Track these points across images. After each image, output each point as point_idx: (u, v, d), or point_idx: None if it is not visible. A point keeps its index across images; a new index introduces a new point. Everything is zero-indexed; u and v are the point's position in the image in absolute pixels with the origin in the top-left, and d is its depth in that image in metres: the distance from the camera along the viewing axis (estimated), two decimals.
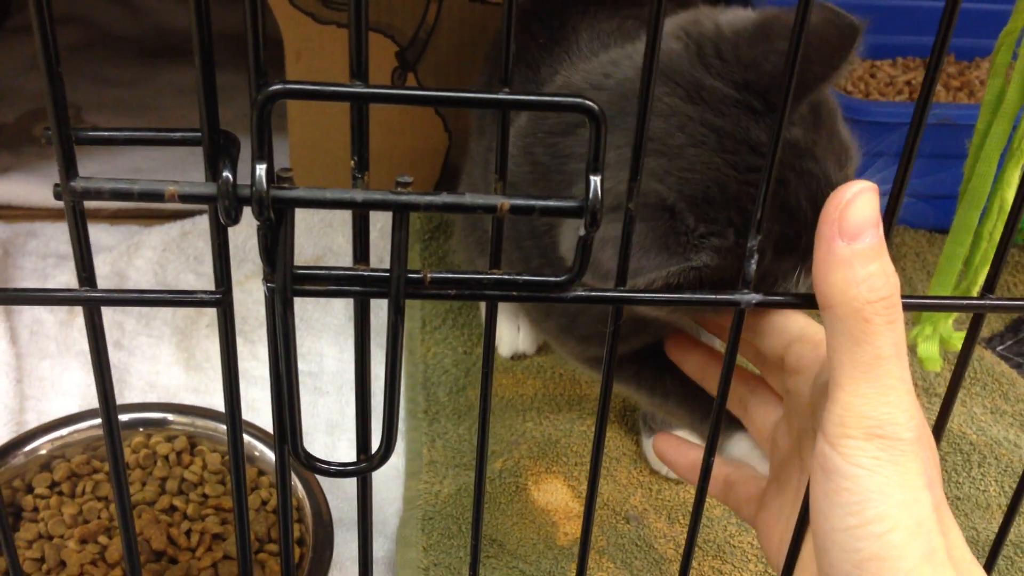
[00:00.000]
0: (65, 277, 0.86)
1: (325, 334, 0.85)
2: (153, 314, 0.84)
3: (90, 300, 0.35)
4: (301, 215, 0.98)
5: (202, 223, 0.94)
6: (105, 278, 0.87)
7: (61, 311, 0.84)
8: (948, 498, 0.42)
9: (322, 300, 0.89)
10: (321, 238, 0.94)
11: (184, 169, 1.00)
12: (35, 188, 0.96)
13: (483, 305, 0.88)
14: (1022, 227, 1.03)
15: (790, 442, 0.45)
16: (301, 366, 0.82)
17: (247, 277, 0.90)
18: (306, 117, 0.96)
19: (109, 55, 1.21)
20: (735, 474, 0.49)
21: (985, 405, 0.85)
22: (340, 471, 0.38)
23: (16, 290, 0.35)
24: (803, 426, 0.44)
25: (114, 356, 0.79)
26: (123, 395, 0.76)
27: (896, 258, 1.04)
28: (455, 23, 0.96)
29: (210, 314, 0.86)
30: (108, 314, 0.83)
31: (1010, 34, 0.67)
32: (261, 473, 0.64)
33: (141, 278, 0.88)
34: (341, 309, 0.88)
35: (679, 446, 0.52)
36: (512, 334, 0.84)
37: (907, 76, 1.23)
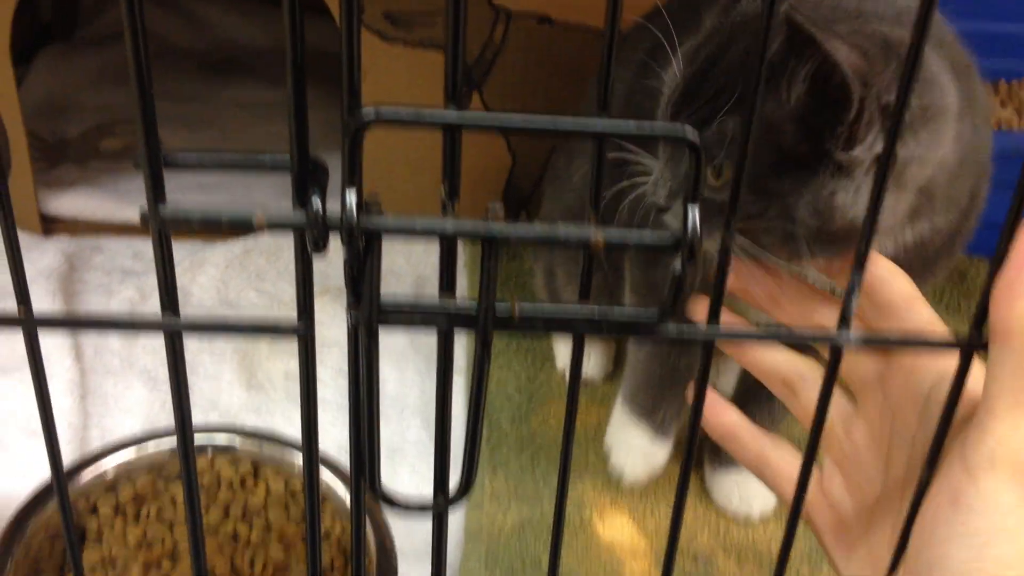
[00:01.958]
0: (129, 292, 0.86)
1: (385, 357, 0.84)
2: None
3: (174, 328, 0.34)
4: None
5: (264, 241, 0.94)
6: None
7: None
8: None
9: None
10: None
11: (246, 189, 1.00)
12: (101, 203, 0.96)
13: (557, 338, 0.86)
14: None
15: (888, 475, 0.42)
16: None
17: None
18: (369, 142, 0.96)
19: (169, 68, 1.21)
20: (773, 452, 0.45)
21: None
22: (419, 508, 0.37)
23: (102, 316, 0.35)
24: (911, 462, 0.41)
25: None
26: None
27: (972, 289, 1.00)
28: (522, 44, 0.95)
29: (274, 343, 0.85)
30: None
31: None
32: (323, 500, 0.63)
33: (204, 295, 0.88)
34: (401, 332, 0.87)
35: (714, 404, 0.48)
36: None
37: (1011, 104, 1.19)
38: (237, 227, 0.32)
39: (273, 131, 1.07)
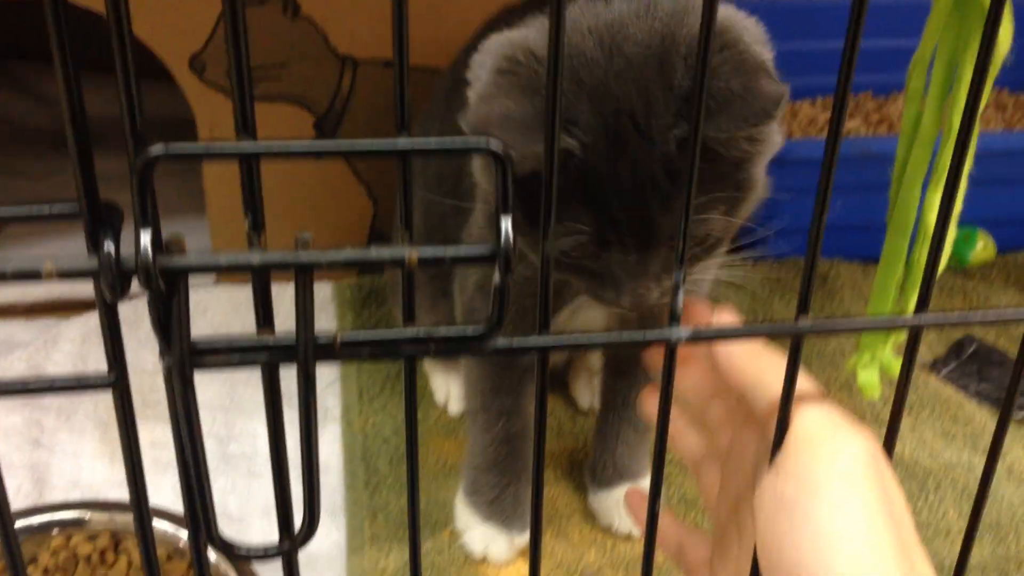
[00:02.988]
0: None
1: (258, 413, 0.82)
2: (74, 408, 0.80)
3: None
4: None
5: (124, 309, 0.91)
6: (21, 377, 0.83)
7: None
8: None
9: (253, 377, 0.86)
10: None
11: None
12: None
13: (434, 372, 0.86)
14: (954, 252, 1.03)
15: (727, 509, 0.43)
16: (234, 448, 0.78)
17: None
18: (223, 189, 0.94)
19: (20, 148, 1.18)
20: (687, 539, 0.46)
21: (935, 429, 0.85)
22: (261, 555, 0.36)
23: None
24: (741, 492, 0.42)
25: (33, 455, 0.75)
26: (44, 497, 0.72)
27: (832, 291, 1.03)
28: (370, 90, 0.95)
29: (136, 403, 0.82)
30: (25, 412, 0.79)
31: (921, 60, 0.67)
32: (181, 557, 0.60)
33: (60, 373, 0.84)
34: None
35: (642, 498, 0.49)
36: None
37: (827, 114, 1.25)
38: (24, 279, 0.31)
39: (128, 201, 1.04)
